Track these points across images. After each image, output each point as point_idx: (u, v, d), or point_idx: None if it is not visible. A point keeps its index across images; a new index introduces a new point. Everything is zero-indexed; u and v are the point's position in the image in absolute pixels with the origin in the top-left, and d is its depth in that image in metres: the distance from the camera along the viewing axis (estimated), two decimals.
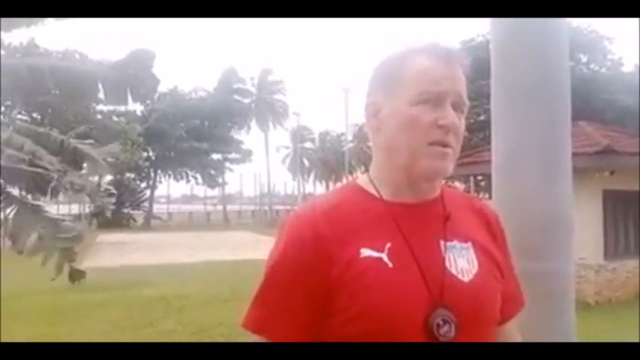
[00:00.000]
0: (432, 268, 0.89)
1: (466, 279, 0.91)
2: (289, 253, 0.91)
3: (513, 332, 1.05)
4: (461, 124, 0.94)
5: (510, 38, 1.68)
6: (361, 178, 1.01)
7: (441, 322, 0.86)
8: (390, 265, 0.88)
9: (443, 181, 1.04)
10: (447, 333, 0.86)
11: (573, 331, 1.66)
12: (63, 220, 5.02)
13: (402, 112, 0.92)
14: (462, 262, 0.93)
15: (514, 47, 1.68)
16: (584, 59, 18.00)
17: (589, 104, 13.41)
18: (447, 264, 0.91)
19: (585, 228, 7.45)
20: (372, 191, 0.96)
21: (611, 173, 7.79)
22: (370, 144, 1.02)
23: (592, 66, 18.45)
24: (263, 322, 0.91)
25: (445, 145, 0.92)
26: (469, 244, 0.96)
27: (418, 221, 0.94)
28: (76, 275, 4.81)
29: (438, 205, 0.97)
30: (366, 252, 0.88)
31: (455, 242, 0.94)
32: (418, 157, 0.91)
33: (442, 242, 0.93)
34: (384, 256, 0.88)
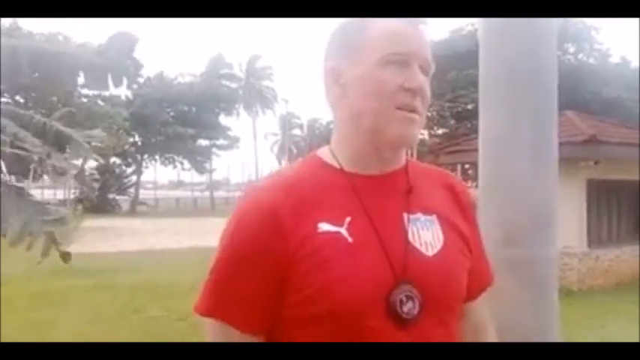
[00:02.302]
0: (394, 242, 0.85)
1: (430, 253, 0.87)
2: (242, 228, 0.85)
3: (482, 310, 1.01)
4: (427, 87, 0.89)
5: (498, 27, 1.68)
6: (322, 150, 0.95)
7: (404, 299, 0.82)
8: (350, 239, 0.83)
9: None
10: (411, 310, 0.82)
11: (557, 317, 1.68)
12: (47, 203, 4.95)
13: (368, 75, 0.87)
14: (426, 235, 0.88)
15: (502, 36, 1.68)
16: (571, 49, 18.12)
17: (576, 95, 13.53)
18: (410, 237, 0.86)
19: (569, 216, 7.55)
20: (333, 163, 0.91)
21: (596, 163, 7.89)
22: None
23: (580, 56, 18.59)
24: (215, 303, 0.86)
25: (412, 110, 0.87)
26: (434, 216, 0.91)
27: (380, 193, 0.89)
28: (64, 257, 4.76)
29: (401, 177, 0.92)
30: (324, 226, 0.83)
31: (419, 215, 0.89)
32: (386, 123, 0.86)
33: (405, 215, 0.88)
34: (343, 231, 0.83)
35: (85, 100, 22.67)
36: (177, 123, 31.59)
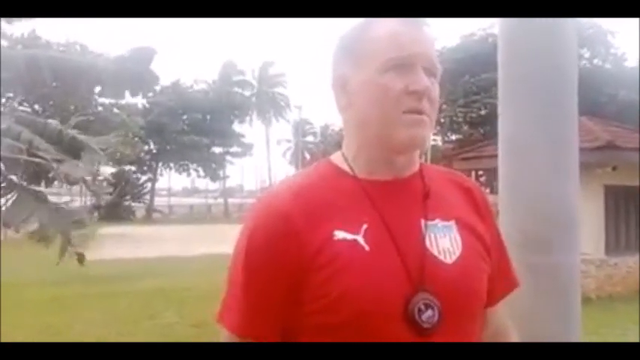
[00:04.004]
0: (412, 250, 0.84)
1: (449, 260, 0.85)
2: (256, 241, 0.84)
3: (502, 315, 1.00)
4: (434, 89, 0.88)
5: (518, 33, 1.67)
6: (335, 156, 0.94)
7: (422, 307, 0.80)
8: (367, 247, 0.82)
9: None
10: (430, 318, 0.80)
11: (579, 325, 1.66)
12: (64, 206, 5.07)
13: (371, 83, 0.86)
14: (444, 241, 0.86)
15: (521, 41, 1.67)
16: (586, 54, 17.92)
17: (591, 99, 13.36)
18: (428, 244, 0.85)
19: (587, 223, 7.44)
20: (346, 169, 0.90)
21: (613, 168, 7.78)
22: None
23: (595, 61, 18.38)
24: (238, 321, 0.86)
25: (420, 113, 0.85)
26: (452, 222, 0.89)
27: (396, 199, 0.87)
28: (80, 258, 4.87)
29: (416, 182, 0.91)
30: (339, 234, 0.82)
31: (436, 221, 0.88)
32: (393, 128, 0.85)
33: (422, 221, 0.87)
34: (360, 238, 0.82)
35: (100, 108, 22.99)
36: (191, 131, 31.89)
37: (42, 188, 5.25)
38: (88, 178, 5.48)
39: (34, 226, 4.44)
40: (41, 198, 4.76)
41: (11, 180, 4.86)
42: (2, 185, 4.73)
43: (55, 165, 4.80)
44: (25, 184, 4.98)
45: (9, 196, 4.68)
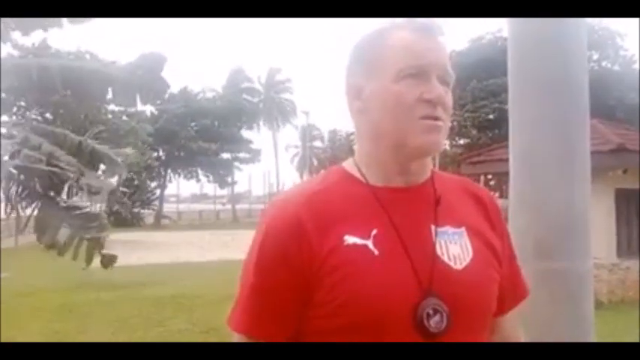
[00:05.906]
0: (422, 256, 0.85)
1: (458, 266, 0.86)
2: (268, 244, 0.86)
3: (513, 324, 1.00)
4: (448, 97, 0.89)
5: (528, 37, 1.67)
6: (347, 163, 0.95)
7: (431, 312, 0.81)
8: (376, 252, 0.83)
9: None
10: (438, 323, 0.81)
11: (591, 331, 1.64)
12: (87, 212, 5.11)
13: (385, 91, 0.87)
14: (454, 248, 0.87)
15: (531, 45, 1.67)
16: (595, 56, 17.80)
17: (601, 102, 13.26)
18: (438, 251, 0.86)
19: (598, 227, 7.35)
20: (358, 175, 0.91)
21: (624, 172, 7.72)
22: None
23: (604, 63, 18.26)
24: (244, 321, 0.87)
25: (435, 119, 0.87)
26: (462, 229, 0.90)
27: (407, 206, 0.89)
28: (107, 260, 4.89)
29: (428, 189, 0.92)
30: (350, 239, 0.83)
31: (447, 227, 0.89)
32: (409, 133, 0.86)
33: (433, 227, 0.88)
34: (370, 244, 0.83)
35: (110, 116, 23.14)
36: (200, 137, 32.04)
37: (64, 198, 5.28)
38: (110, 189, 5.52)
39: (64, 235, 4.48)
40: (62, 206, 4.81)
41: (32, 189, 4.91)
42: (24, 195, 4.79)
43: (74, 176, 4.85)
44: (49, 193, 5.03)
45: (32, 206, 4.75)
